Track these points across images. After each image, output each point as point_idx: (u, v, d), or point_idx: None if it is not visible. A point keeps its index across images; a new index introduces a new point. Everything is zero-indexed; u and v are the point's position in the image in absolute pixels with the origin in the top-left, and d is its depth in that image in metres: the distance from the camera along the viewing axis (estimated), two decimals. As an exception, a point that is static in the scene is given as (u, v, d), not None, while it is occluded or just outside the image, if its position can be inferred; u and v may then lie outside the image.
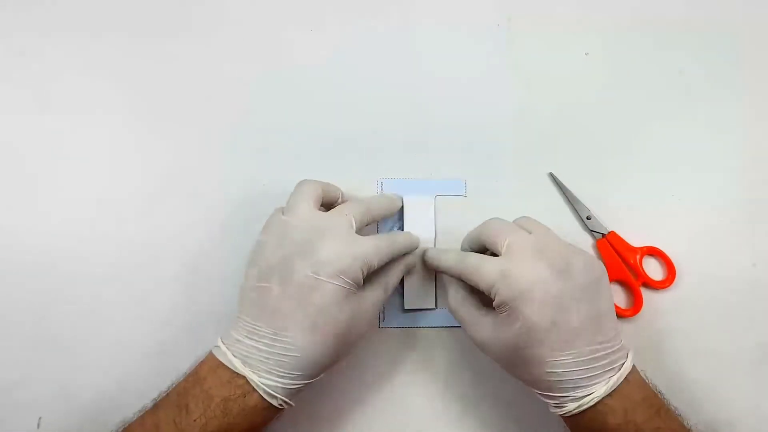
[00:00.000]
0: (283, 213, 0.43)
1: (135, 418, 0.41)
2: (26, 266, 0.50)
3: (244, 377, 0.39)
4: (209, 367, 0.40)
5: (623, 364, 0.40)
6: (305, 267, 0.39)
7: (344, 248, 0.40)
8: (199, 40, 0.55)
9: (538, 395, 0.41)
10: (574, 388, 0.39)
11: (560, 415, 0.41)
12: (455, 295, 0.45)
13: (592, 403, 0.39)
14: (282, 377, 0.39)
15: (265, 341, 0.39)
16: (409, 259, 0.48)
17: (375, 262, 0.42)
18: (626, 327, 0.50)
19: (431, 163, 0.53)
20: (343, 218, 0.43)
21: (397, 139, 0.54)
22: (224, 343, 0.41)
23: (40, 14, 0.54)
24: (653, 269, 0.52)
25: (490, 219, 0.45)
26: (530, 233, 0.42)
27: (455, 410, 0.49)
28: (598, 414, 0.39)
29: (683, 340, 0.50)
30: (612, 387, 0.39)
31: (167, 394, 0.41)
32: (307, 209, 0.43)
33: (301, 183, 0.46)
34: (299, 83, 0.54)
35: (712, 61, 0.56)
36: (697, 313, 0.51)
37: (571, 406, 0.39)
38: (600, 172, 0.53)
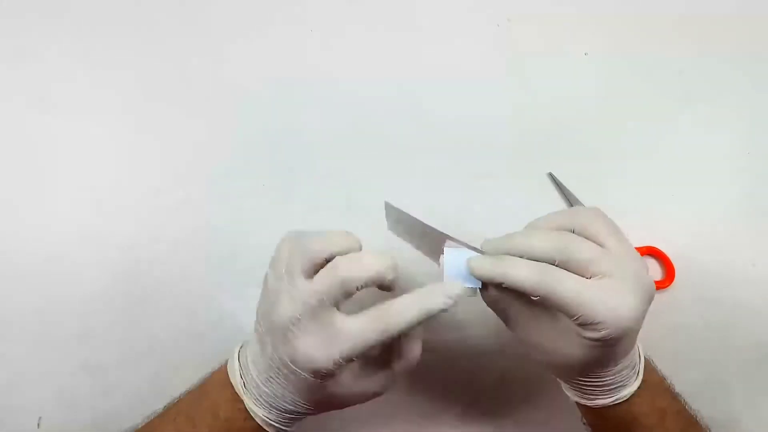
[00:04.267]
0: (274, 272, 0.38)
1: (143, 425, 0.41)
2: (26, 266, 0.50)
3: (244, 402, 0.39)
4: (218, 381, 0.41)
5: (640, 354, 0.41)
6: (284, 355, 0.36)
7: (315, 346, 0.35)
8: (199, 40, 0.55)
9: (567, 388, 0.42)
10: (614, 387, 0.39)
11: (585, 404, 0.41)
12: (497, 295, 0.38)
13: (627, 398, 0.39)
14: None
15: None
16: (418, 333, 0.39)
17: (359, 353, 0.35)
18: (626, 327, 0.50)
19: (431, 163, 0.53)
20: (328, 312, 0.36)
21: (397, 139, 0.54)
22: (238, 358, 0.40)
23: (40, 14, 0.54)
24: (653, 269, 0.52)
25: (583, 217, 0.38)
26: (608, 249, 0.37)
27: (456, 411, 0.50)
28: (628, 404, 0.40)
29: (683, 340, 0.50)
30: (641, 378, 0.40)
31: (176, 403, 0.41)
32: (297, 282, 0.36)
33: (293, 247, 0.38)
34: (299, 83, 0.54)
35: (712, 61, 0.55)
36: (696, 313, 0.51)
37: (604, 401, 0.40)
38: (599, 172, 0.53)
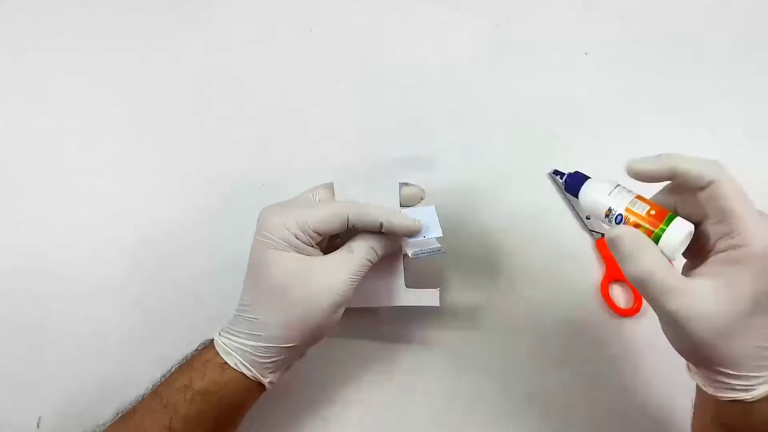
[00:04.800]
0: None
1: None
2: (26, 267, 0.50)
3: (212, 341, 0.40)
4: (193, 356, 0.41)
5: None
6: (256, 232, 0.41)
7: (274, 210, 0.41)
8: (199, 40, 0.55)
9: (722, 376, 0.35)
10: (760, 369, 0.34)
11: (720, 398, 0.35)
12: (645, 252, 0.34)
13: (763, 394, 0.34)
14: (244, 339, 0.39)
15: (235, 310, 0.41)
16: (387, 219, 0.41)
17: (309, 224, 0.39)
18: (626, 327, 0.50)
19: (430, 162, 0.53)
20: (304, 193, 0.43)
21: (397, 139, 0.54)
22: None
23: (40, 14, 0.54)
24: (653, 269, 0.52)
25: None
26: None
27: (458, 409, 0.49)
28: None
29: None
30: None
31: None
32: (308, 193, 0.43)
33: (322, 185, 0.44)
34: (298, 83, 0.54)
35: (712, 61, 0.56)
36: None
37: (763, 389, 0.34)
38: (599, 171, 0.53)
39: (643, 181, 0.36)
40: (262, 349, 0.39)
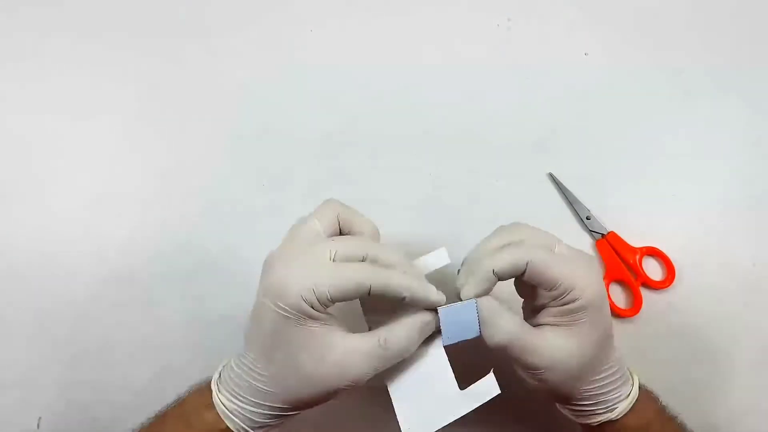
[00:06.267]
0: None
1: None
2: (26, 266, 0.50)
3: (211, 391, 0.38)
4: (195, 391, 0.40)
5: (627, 370, 0.41)
6: (260, 288, 0.37)
7: (288, 274, 0.35)
8: (200, 39, 0.55)
9: (571, 409, 0.40)
10: (612, 392, 0.39)
11: (590, 424, 0.40)
12: (513, 319, 0.38)
13: (631, 404, 0.39)
14: (239, 400, 0.38)
15: (235, 360, 0.38)
16: (426, 319, 0.37)
17: (327, 292, 0.35)
18: (626, 327, 0.50)
19: (431, 163, 0.53)
20: (320, 246, 0.36)
21: (396, 139, 0.54)
22: (220, 373, 0.40)
23: (41, 14, 0.54)
24: (653, 269, 0.52)
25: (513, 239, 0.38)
26: (547, 241, 0.39)
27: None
28: (632, 415, 0.39)
29: (683, 340, 0.50)
30: (636, 389, 0.40)
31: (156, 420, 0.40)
32: (303, 229, 0.38)
33: (324, 202, 0.40)
34: (299, 83, 0.54)
35: (712, 61, 0.55)
36: (696, 313, 0.51)
37: (604, 416, 0.39)
38: (599, 172, 0.53)
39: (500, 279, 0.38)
40: (267, 416, 0.38)
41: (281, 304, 0.35)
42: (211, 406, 0.38)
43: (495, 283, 0.37)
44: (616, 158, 0.54)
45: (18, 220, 0.51)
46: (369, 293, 0.35)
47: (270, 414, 0.38)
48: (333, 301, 0.35)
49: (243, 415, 0.37)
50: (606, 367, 0.39)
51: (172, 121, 0.53)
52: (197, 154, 0.53)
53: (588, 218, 0.52)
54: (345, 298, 0.35)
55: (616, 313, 0.50)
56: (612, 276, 0.51)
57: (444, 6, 0.56)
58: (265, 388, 0.37)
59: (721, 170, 0.53)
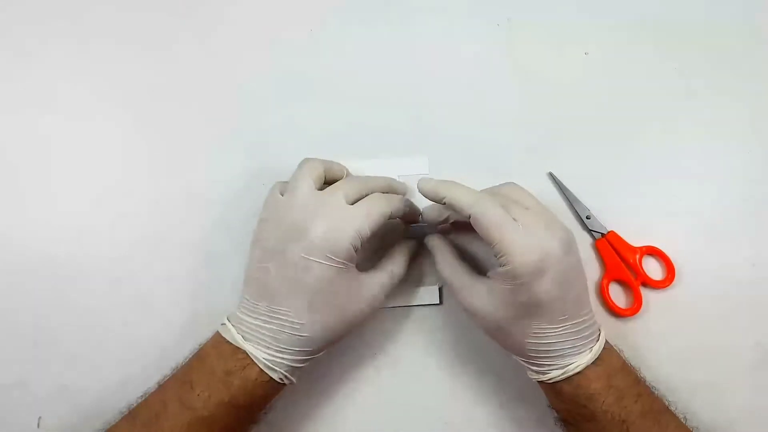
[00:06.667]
0: (281, 191, 0.44)
1: (140, 400, 0.42)
2: (26, 266, 0.50)
3: (245, 351, 0.40)
4: (213, 343, 0.42)
5: (599, 335, 0.42)
6: (298, 249, 0.40)
7: (333, 228, 0.40)
8: (198, 40, 0.55)
9: (521, 362, 0.43)
10: (561, 356, 0.40)
11: (540, 381, 0.42)
12: (445, 260, 0.45)
13: (578, 370, 0.40)
14: (280, 352, 0.41)
15: (264, 318, 0.41)
16: (411, 244, 0.48)
17: (368, 231, 0.41)
18: (626, 327, 0.50)
19: (431, 163, 0.53)
20: (334, 195, 0.42)
21: (397, 139, 0.54)
22: (229, 321, 0.42)
23: (41, 15, 0.54)
24: (653, 269, 0.52)
25: (485, 198, 0.41)
26: (527, 209, 0.41)
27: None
28: (583, 379, 0.40)
29: (683, 340, 0.50)
30: (596, 355, 0.41)
31: (173, 374, 0.42)
32: (305, 189, 0.42)
33: (303, 162, 0.45)
34: (298, 83, 0.54)
35: (712, 61, 0.55)
36: (696, 313, 0.51)
37: (555, 374, 0.40)
38: (599, 171, 0.53)
39: (428, 199, 0.43)
40: (304, 360, 0.42)
41: (333, 257, 0.40)
42: (248, 365, 0.40)
43: (443, 202, 0.42)
44: (616, 158, 0.54)
45: (18, 220, 0.51)
46: (389, 218, 0.43)
47: (307, 358, 0.42)
48: (367, 239, 0.41)
49: (284, 364, 0.41)
50: (530, 333, 0.40)
51: (171, 122, 0.53)
52: (197, 154, 0.53)
53: (588, 218, 0.52)
54: (374, 232, 0.41)
55: (616, 313, 0.50)
56: (612, 275, 0.51)
57: (444, 5, 0.56)
58: (307, 334, 0.40)
59: (721, 170, 0.53)
